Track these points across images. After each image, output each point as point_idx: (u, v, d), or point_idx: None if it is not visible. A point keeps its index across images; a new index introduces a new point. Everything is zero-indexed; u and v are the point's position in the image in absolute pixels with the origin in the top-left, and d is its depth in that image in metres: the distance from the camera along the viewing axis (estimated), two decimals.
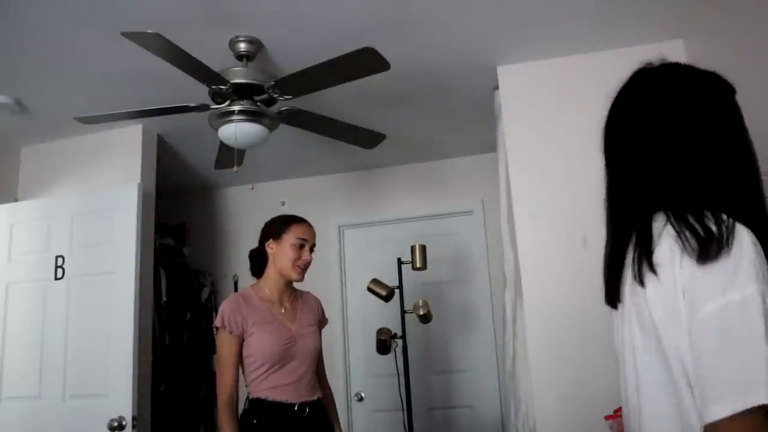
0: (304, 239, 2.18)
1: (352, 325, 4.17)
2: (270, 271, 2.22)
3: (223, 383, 2.05)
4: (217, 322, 2.09)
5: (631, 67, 2.86)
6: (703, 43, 2.58)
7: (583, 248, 2.67)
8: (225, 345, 2.07)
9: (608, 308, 1.89)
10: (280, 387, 2.06)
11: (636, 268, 0.97)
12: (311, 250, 2.22)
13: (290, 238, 2.17)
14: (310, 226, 2.25)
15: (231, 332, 2.06)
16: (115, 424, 2.69)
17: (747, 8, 2.15)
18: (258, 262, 2.27)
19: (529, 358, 2.66)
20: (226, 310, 2.10)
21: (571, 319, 2.62)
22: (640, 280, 0.94)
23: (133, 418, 2.73)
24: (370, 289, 3.31)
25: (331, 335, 3.83)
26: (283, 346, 2.08)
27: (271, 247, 2.20)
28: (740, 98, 2.36)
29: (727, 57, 2.37)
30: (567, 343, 2.61)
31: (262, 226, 2.30)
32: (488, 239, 4.01)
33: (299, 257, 2.16)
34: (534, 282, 2.70)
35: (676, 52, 2.74)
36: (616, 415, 1.86)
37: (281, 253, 2.17)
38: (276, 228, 2.22)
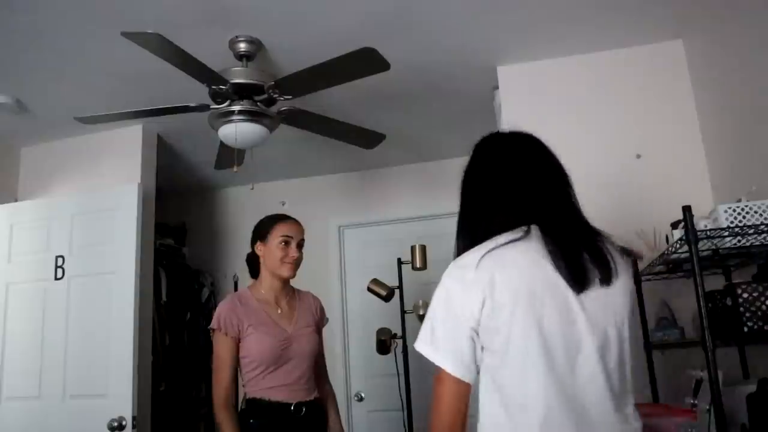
0: (288, 236, 2.18)
1: (352, 325, 4.17)
2: (263, 272, 2.22)
3: (218, 383, 2.06)
4: (213, 324, 2.10)
5: (631, 67, 2.87)
6: (703, 43, 2.58)
7: None
8: (221, 346, 2.08)
9: None
10: (276, 387, 2.06)
11: (614, 265, 1.14)
12: (300, 246, 2.21)
13: (275, 237, 2.17)
14: (294, 223, 2.24)
15: (226, 334, 2.07)
16: (115, 424, 2.69)
17: (747, 8, 2.14)
18: (253, 265, 2.28)
19: None
20: (221, 312, 2.10)
21: None
22: (613, 277, 1.13)
23: (133, 418, 2.73)
24: (370, 289, 3.30)
25: (331, 335, 3.83)
26: (279, 347, 2.08)
27: (259, 249, 2.21)
28: (739, 98, 2.36)
29: (727, 57, 2.37)
30: None
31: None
32: None
33: (286, 255, 2.16)
34: None
35: (676, 52, 2.75)
36: None
37: (269, 253, 2.18)
38: (261, 230, 2.22)
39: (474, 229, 1.20)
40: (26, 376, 3.00)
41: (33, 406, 2.95)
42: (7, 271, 3.18)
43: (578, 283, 1.08)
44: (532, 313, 1.06)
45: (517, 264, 1.10)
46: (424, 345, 1.12)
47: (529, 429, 1.03)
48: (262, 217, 2.30)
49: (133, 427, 2.72)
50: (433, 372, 1.10)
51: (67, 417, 2.86)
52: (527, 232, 1.14)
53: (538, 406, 1.04)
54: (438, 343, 1.10)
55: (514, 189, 1.20)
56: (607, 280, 1.11)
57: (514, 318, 1.06)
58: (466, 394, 1.08)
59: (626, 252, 1.19)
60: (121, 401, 2.76)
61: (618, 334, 1.11)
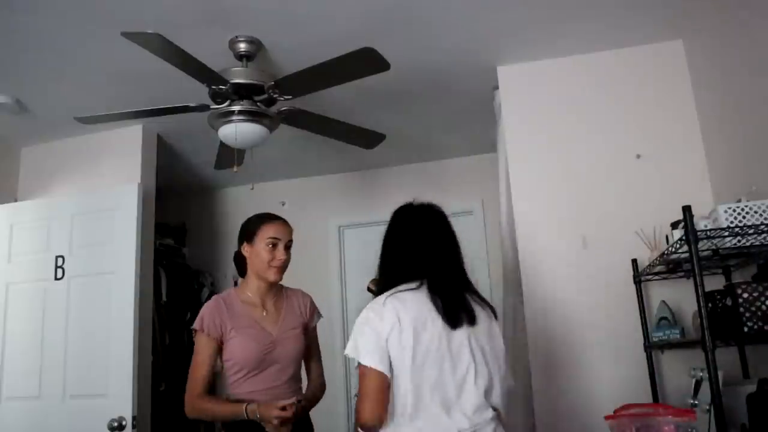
0: (276, 238, 2.09)
1: (352, 324, 4.14)
2: (249, 273, 2.14)
3: (193, 381, 1.99)
4: (196, 325, 2.03)
5: (631, 67, 2.87)
6: (703, 43, 2.58)
7: (582, 248, 2.67)
8: (201, 347, 2.02)
9: (607, 310, 2.57)
10: (258, 391, 1.99)
11: (490, 310, 1.76)
12: (287, 248, 2.13)
13: (262, 239, 2.09)
14: (282, 223, 2.15)
15: (209, 335, 2.01)
16: (115, 424, 2.69)
17: (747, 8, 2.15)
18: (241, 264, 2.19)
19: (529, 358, 2.66)
20: (205, 313, 2.04)
21: (571, 319, 2.62)
22: (476, 321, 1.67)
23: (133, 418, 2.73)
24: (370, 289, 3.28)
25: (331, 335, 3.83)
26: (263, 351, 2.01)
27: (246, 250, 2.12)
28: (739, 98, 2.37)
29: (727, 57, 2.37)
30: (567, 344, 2.61)
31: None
32: (488, 239, 4.00)
33: (273, 257, 2.08)
34: (534, 282, 2.70)
35: (676, 52, 2.75)
36: (617, 415, 1.87)
37: (255, 255, 2.09)
38: (248, 230, 2.13)
39: (387, 277, 1.76)
40: (26, 376, 3.00)
41: (33, 406, 2.95)
42: (7, 271, 3.18)
43: (451, 322, 1.61)
44: (419, 337, 1.58)
45: (412, 305, 1.62)
46: (351, 350, 1.62)
47: (407, 404, 1.56)
48: (248, 219, 2.20)
49: (133, 427, 2.73)
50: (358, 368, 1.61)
51: (67, 417, 2.87)
52: (420, 285, 1.67)
53: (412, 393, 1.56)
54: (360, 349, 1.60)
55: (414, 252, 1.75)
56: (471, 322, 1.65)
57: (407, 339, 1.57)
58: (384, 380, 1.56)
59: (486, 303, 1.77)
60: (121, 401, 2.76)
61: (483, 358, 1.63)
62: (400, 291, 1.66)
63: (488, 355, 1.65)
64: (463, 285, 1.74)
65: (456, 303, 1.66)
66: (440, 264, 1.73)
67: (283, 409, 1.87)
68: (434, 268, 1.72)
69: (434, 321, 1.60)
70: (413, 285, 1.68)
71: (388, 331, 1.59)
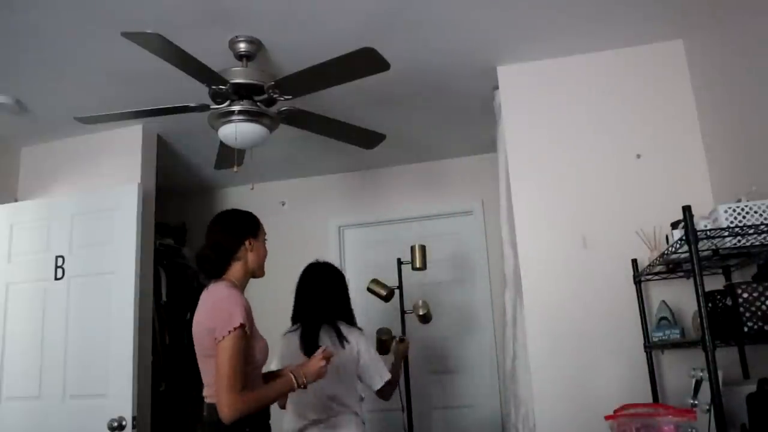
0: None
1: None
2: (241, 271, 2.01)
3: (235, 376, 1.76)
4: (243, 320, 1.81)
5: (631, 67, 2.88)
6: (703, 43, 2.58)
7: (582, 248, 2.67)
8: (240, 343, 1.81)
9: (607, 311, 2.66)
10: None
11: (342, 344, 2.48)
12: None
13: (262, 234, 2.10)
14: None
15: (248, 332, 1.84)
16: (115, 424, 2.69)
17: (747, 8, 2.15)
18: (224, 259, 2.01)
19: (529, 358, 2.66)
20: (246, 307, 1.86)
21: (571, 319, 2.62)
22: (343, 344, 2.48)
23: (133, 418, 2.73)
24: (370, 289, 3.30)
25: None
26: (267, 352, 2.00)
27: (250, 244, 2.03)
28: (739, 97, 2.37)
29: (727, 57, 2.37)
30: (567, 344, 2.61)
31: (229, 221, 2.10)
32: (488, 239, 4.00)
33: (266, 254, 2.11)
34: (534, 282, 2.70)
35: (676, 52, 2.75)
36: (617, 415, 1.87)
37: (258, 250, 2.06)
38: (253, 225, 2.09)
39: (292, 315, 2.62)
40: (26, 376, 3.00)
41: (33, 406, 2.95)
42: (7, 271, 3.18)
43: (307, 355, 2.32)
44: (291, 363, 2.22)
45: (289, 343, 2.49)
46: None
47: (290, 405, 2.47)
48: (263, 216, 2.15)
49: (133, 427, 2.73)
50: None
51: (67, 417, 2.87)
52: (298, 327, 2.52)
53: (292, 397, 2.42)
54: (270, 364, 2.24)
55: (300, 301, 2.60)
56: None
57: (284, 361, 2.38)
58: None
59: (343, 339, 2.48)
60: (121, 401, 2.76)
61: (330, 381, 2.23)
62: (289, 332, 2.56)
63: (334, 379, 2.31)
64: (330, 325, 2.49)
65: (311, 345, 2.37)
66: (310, 313, 2.51)
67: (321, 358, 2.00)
68: (305, 316, 2.52)
69: (299, 356, 2.31)
70: (295, 327, 2.54)
71: (278, 358, 2.47)
